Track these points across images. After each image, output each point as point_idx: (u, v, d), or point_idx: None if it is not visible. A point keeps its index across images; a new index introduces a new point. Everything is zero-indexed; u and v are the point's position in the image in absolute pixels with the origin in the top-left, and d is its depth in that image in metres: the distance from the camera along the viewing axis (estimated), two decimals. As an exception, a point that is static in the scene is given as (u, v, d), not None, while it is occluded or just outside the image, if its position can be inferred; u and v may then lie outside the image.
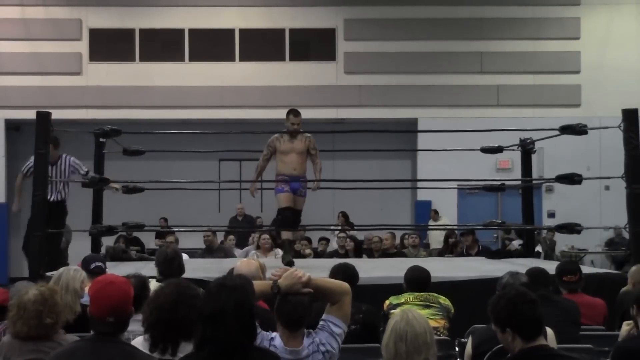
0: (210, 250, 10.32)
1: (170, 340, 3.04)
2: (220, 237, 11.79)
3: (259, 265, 4.38)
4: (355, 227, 11.82)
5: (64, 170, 8.22)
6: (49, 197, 7.74)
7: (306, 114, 14.77)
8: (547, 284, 4.91)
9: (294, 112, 7.77)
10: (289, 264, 7.34)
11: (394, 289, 5.25)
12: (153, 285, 4.55)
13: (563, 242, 14.12)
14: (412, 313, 3.01)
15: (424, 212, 14.64)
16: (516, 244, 11.92)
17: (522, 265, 6.79)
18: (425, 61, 15.35)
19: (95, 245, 8.31)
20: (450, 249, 11.26)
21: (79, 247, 8.85)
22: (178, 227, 12.74)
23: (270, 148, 7.70)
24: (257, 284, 3.21)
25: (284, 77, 15.25)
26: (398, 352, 2.90)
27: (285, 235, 7.92)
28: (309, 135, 7.82)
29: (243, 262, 4.48)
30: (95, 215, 8.50)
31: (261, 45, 15.52)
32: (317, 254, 11.31)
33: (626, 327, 4.04)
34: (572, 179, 7.69)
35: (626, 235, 9.40)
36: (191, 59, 15.36)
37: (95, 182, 7.76)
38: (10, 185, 14.49)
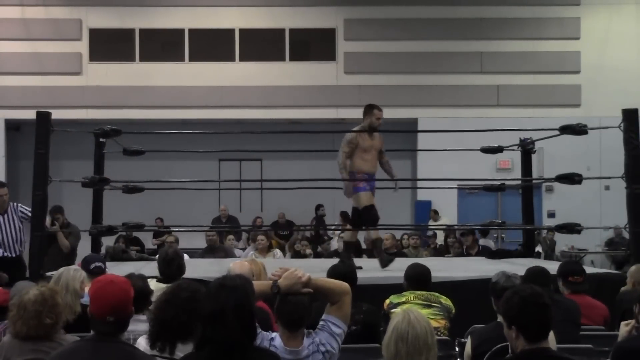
0: (212, 250, 10.31)
1: (166, 339, 3.08)
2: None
3: (261, 266, 4.35)
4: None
5: (15, 220, 7.49)
6: (3, 254, 7.38)
7: (306, 114, 15.00)
8: (547, 284, 4.90)
9: (378, 107, 7.39)
10: (387, 263, 7.20)
11: (394, 289, 5.23)
12: (153, 285, 4.57)
13: (563, 242, 14.13)
14: (414, 314, 2.98)
15: (424, 212, 14.64)
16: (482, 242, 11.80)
17: (522, 265, 6.77)
18: (425, 61, 15.34)
19: (95, 245, 8.31)
20: (450, 249, 11.26)
21: (79, 247, 8.86)
22: (177, 227, 12.73)
23: (352, 145, 7.31)
24: (257, 284, 3.21)
25: (284, 77, 15.24)
26: (398, 353, 2.89)
27: (349, 236, 7.78)
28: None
29: (236, 263, 4.47)
30: (95, 215, 8.49)
31: (261, 45, 15.52)
32: (317, 254, 11.31)
33: (625, 327, 4.03)
34: (572, 179, 7.69)
35: (626, 235, 9.39)
36: (191, 59, 15.35)
37: (95, 182, 7.74)
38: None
